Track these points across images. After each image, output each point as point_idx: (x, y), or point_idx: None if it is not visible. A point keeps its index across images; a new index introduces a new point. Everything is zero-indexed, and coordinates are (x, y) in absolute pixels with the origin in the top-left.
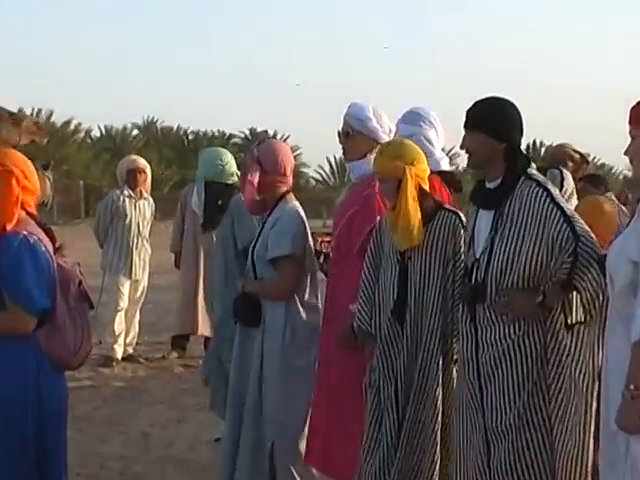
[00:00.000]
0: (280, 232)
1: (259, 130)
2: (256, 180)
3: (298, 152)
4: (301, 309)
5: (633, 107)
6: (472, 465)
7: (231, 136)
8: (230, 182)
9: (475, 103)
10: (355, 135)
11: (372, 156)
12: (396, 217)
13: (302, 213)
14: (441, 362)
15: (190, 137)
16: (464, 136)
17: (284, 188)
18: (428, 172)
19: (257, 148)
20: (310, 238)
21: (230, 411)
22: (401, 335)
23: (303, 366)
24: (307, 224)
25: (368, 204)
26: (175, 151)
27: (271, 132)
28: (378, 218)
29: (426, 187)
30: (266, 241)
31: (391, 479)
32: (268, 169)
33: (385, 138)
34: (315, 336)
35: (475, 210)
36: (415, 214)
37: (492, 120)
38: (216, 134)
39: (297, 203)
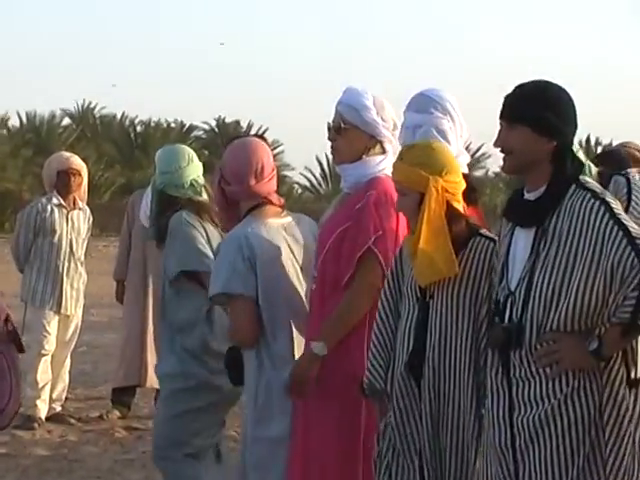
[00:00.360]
0: (218, 264)
1: (228, 121)
2: (219, 192)
3: (279, 150)
4: (267, 363)
5: None
6: None
7: (192, 128)
8: (176, 194)
9: (516, 88)
10: (349, 129)
11: (369, 158)
12: (415, 243)
13: (257, 238)
14: (477, 437)
15: (138, 129)
16: (501, 131)
17: (249, 203)
18: (463, 186)
19: (226, 149)
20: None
21: None
22: (418, 397)
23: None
24: (273, 251)
25: (362, 221)
26: (119, 147)
27: (244, 124)
28: (373, 239)
29: (459, 206)
30: None
31: None
32: (227, 179)
33: (387, 134)
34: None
35: (510, 229)
36: (440, 239)
37: (540, 111)
38: (172, 125)
39: (262, 224)
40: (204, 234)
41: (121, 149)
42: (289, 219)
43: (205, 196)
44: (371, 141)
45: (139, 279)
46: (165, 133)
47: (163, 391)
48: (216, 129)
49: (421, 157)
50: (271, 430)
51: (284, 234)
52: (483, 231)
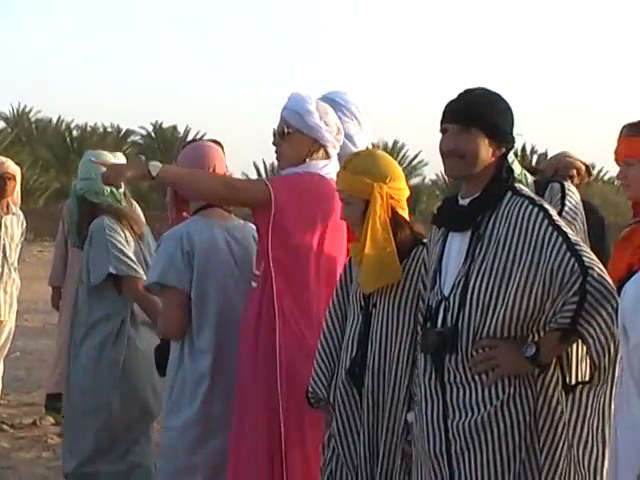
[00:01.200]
0: (157, 256)
1: (165, 126)
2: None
3: None
4: (187, 355)
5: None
6: None
7: (129, 133)
8: (96, 201)
9: (465, 93)
10: (292, 134)
11: (313, 162)
12: (360, 250)
13: (199, 236)
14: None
15: (74, 133)
16: (449, 134)
17: (198, 203)
18: (407, 193)
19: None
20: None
21: None
22: (360, 405)
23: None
24: (216, 250)
25: None
26: (54, 151)
27: (181, 128)
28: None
29: (404, 213)
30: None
31: None
32: None
33: (330, 139)
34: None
35: (442, 234)
36: (384, 246)
37: (494, 117)
38: (109, 130)
39: (207, 223)
40: (124, 240)
41: (56, 153)
42: (234, 222)
43: (125, 203)
44: (315, 145)
45: (76, 285)
46: (101, 138)
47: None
48: (153, 134)
49: (365, 165)
50: (179, 419)
51: (226, 235)
52: (426, 240)
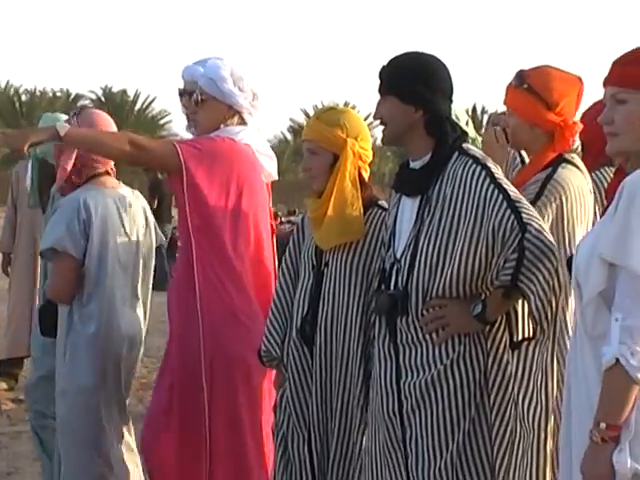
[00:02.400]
0: (53, 222)
1: (115, 90)
2: (70, 162)
3: (167, 119)
4: (77, 320)
5: (617, 63)
6: None
7: (78, 97)
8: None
9: (389, 61)
10: (207, 101)
11: (227, 128)
12: (324, 205)
13: (94, 204)
14: (363, 405)
15: (23, 98)
16: (377, 103)
17: (99, 169)
18: (371, 157)
19: (76, 119)
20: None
21: None
22: (311, 364)
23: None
24: (113, 216)
25: None
26: (3, 116)
27: (131, 92)
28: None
29: (366, 175)
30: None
31: None
32: None
33: (245, 105)
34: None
35: (397, 198)
36: (352, 202)
37: (407, 81)
38: (58, 94)
39: (100, 192)
40: None
41: (5, 118)
42: (125, 191)
43: None
44: (230, 112)
45: (27, 249)
46: (51, 102)
47: None
48: (102, 98)
49: (339, 119)
50: (79, 381)
51: (118, 204)
52: (381, 202)
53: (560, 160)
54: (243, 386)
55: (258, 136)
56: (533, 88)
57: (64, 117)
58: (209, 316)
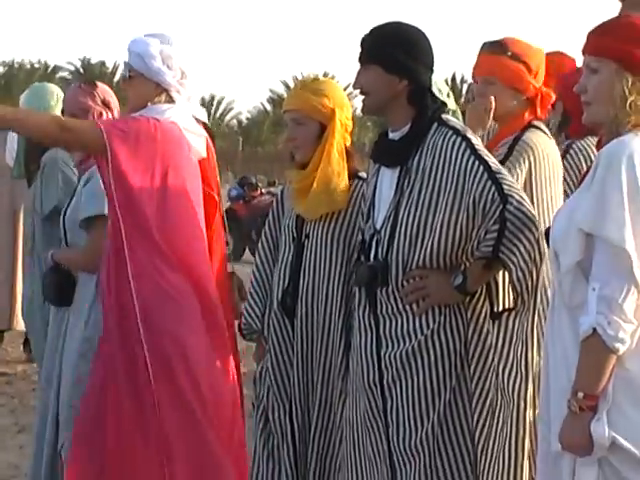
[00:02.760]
0: (95, 189)
1: (94, 61)
2: None
3: None
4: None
5: (592, 32)
6: None
7: (57, 69)
8: None
9: (371, 31)
10: (135, 78)
11: (154, 106)
12: (310, 175)
13: None
14: (344, 377)
15: (1, 70)
16: (357, 72)
17: None
18: (351, 127)
19: (96, 90)
20: None
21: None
22: (292, 336)
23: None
24: None
25: None
26: None
27: (110, 65)
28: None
29: (348, 144)
30: (79, 200)
31: None
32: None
33: (173, 83)
34: None
35: (376, 169)
36: (339, 172)
37: (391, 51)
38: (36, 66)
39: None
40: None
41: None
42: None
43: None
44: (157, 90)
45: (6, 219)
46: (29, 74)
47: None
48: (81, 70)
49: (326, 89)
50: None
51: None
52: (361, 174)
53: (528, 126)
54: (180, 365)
55: (186, 114)
56: (517, 55)
57: (54, 87)
58: (142, 298)
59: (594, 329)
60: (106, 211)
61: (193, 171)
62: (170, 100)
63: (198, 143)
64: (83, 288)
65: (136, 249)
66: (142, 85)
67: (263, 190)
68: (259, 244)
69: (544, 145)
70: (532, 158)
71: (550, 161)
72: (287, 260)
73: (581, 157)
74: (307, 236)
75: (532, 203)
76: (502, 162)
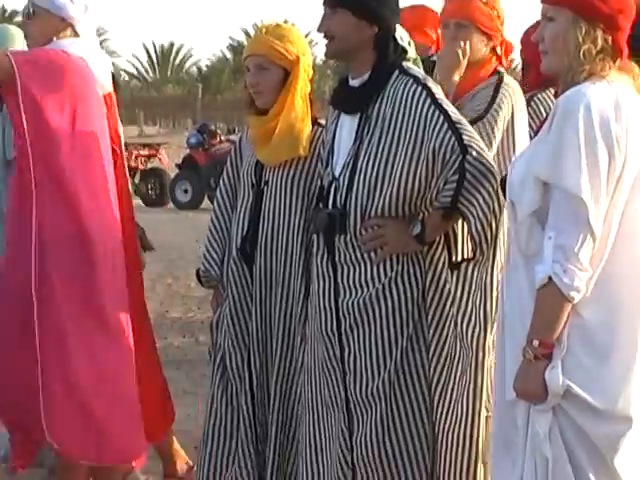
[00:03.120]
0: None
1: None
2: None
3: (104, 37)
4: None
5: None
6: (332, 446)
7: (14, 13)
8: None
9: None
10: (39, 13)
11: (59, 40)
12: (272, 120)
13: None
14: (304, 323)
15: None
16: (324, 16)
17: None
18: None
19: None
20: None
21: None
22: (250, 284)
23: None
24: None
25: None
26: None
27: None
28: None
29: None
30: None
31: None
32: None
33: (78, 17)
34: None
35: (336, 116)
36: (302, 118)
37: None
38: None
39: None
40: None
41: None
42: None
43: None
44: (62, 24)
45: None
46: None
47: None
48: None
49: (290, 35)
50: None
51: None
52: (321, 121)
53: (495, 72)
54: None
55: (92, 48)
56: (488, 1)
57: (11, 28)
58: (42, 237)
59: (550, 277)
60: None
61: (100, 110)
62: (75, 34)
63: (104, 76)
64: None
65: (42, 189)
66: (46, 20)
67: (222, 138)
68: (217, 191)
69: (520, 92)
70: (514, 101)
71: (524, 107)
72: (246, 207)
73: (542, 108)
74: (266, 183)
75: (513, 147)
76: (490, 104)
